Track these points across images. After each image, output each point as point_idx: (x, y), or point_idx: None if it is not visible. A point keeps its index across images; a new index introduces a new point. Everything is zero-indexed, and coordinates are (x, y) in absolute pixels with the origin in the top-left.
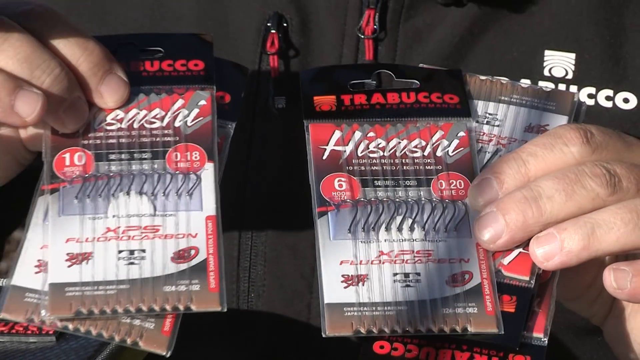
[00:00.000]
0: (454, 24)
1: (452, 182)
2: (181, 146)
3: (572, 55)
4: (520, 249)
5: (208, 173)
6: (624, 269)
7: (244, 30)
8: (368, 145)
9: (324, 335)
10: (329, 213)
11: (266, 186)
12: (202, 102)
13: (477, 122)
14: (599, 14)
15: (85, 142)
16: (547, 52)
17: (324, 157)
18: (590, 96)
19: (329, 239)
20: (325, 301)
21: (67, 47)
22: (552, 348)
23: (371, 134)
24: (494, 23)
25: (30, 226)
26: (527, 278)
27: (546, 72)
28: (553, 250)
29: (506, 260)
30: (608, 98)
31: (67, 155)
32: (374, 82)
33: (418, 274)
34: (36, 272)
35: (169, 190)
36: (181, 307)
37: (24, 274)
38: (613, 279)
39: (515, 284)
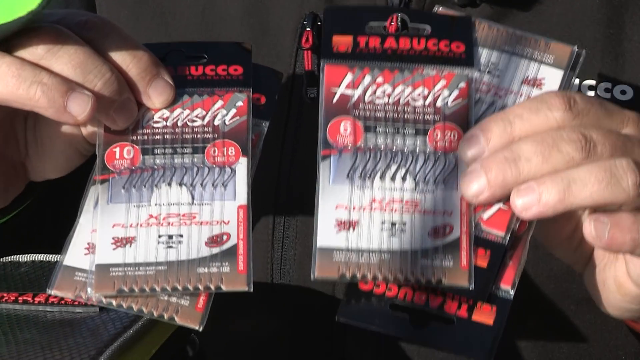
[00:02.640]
0: None
1: (447, 133)
2: (219, 142)
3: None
4: (501, 205)
5: (242, 167)
6: (603, 220)
7: (283, 28)
8: (375, 90)
9: (312, 278)
10: (331, 157)
11: (300, 168)
12: (239, 103)
13: (480, 71)
14: (601, 13)
15: (134, 138)
16: None
17: (334, 101)
18: (590, 88)
19: (329, 183)
20: (318, 245)
21: (118, 54)
22: (553, 317)
23: (379, 79)
24: (505, 22)
25: (82, 212)
26: (502, 234)
27: None
28: (531, 202)
29: (486, 215)
30: (607, 90)
31: (117, 150)
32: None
33: (404, 224)
34: (85, 254)
35: (206, 182)
36: (212, 287)
37: (74, 255)
38: (592, 229)
39: (491, 238)
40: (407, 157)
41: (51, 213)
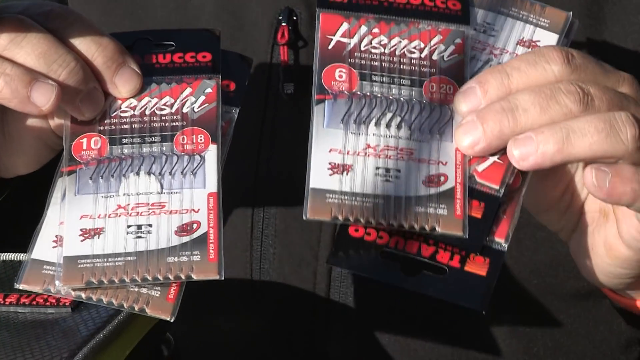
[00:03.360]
0: None
1: (443, 86)
2: (188, 130)
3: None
4: (495, 158)
5: (211, 154)
6: (605, 169)
7: (258, 23)
8: (371, 40)
9: (304, 218)
10: (326, 101)
11: (277, 164)
12: (209, 90)
13: (475, 30)
14: (582, 5)
15: (101, 128)
16: None
17: (330, 47)
18: None
19: (323, 126)
20: (311, 185)
21: (83, 43)
22: (535, 313)
23: (375, 30)
24: None
25: (50, 205)
26: (497, 187)
27: None
28: (529, 151)
29: (480, 168)
30: None
31: (85, 140)
32: None
33: (398, 171)
34: (53, 247)
35: (175, 170)
36: (182, 276)
37: (42, 248)
38: (594, 177)
39: (486, 191)
40: (403, 106)
41: (27, 209)
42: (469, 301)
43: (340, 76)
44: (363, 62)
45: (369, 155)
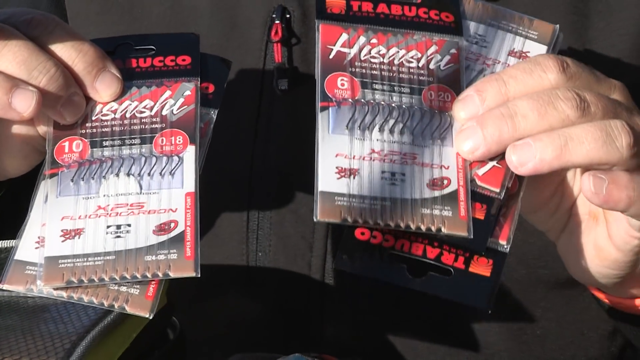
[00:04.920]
0: None
1: (441, 94)
2: (167, 132)
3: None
4: (495, 163)
5: (189, 155)
6: (601, 176)
7: (252, 21)
8: (370, 50)
9: (315, 220)
10: (330, 108)
11: (271, 158)
12: (187, 93)
13: (468, 41)
14: (568, 2)
15: (83, 131)
16: None
17: (331, 57)
18: None
19: (328, 132)
20: (319, 189)
21: (63, 49)
22: (524, 301)
23: (374, 41)
24: None
25: (33, 207)
26: (497, 190)
27: None
28: (528, 157)
29: (481, 172)
30: None
31: (67, 144)
32: None
33: (403, 174)
34: (36, 248)
35: (154, 171)
36: (160, 274)
37: (25, 249)
38: (591, 184)
39: (487, 194)
40: (404, 113)
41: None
42: (476, 301)
43: (343, 84)
44: (364, 70)
45: (374, 160)
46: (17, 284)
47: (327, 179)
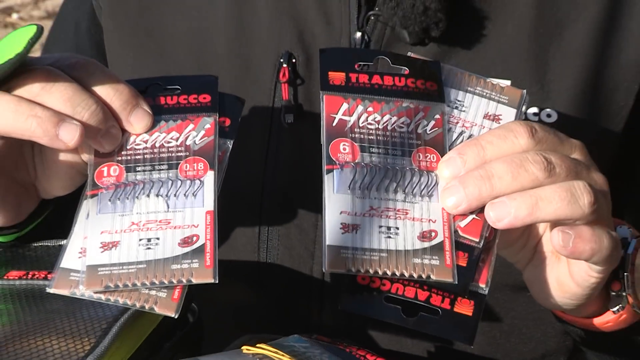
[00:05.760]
0: None
1: (427, 156)
2: (190, 159)
3: (508, 82)
4: (474, 216)
5: (209, 179)
6: (569, 232)
7: (263, 65)
8: (367, 118)
9: (324, 271)
10: (334, 171)
11: (279, 181)
12: (208, 125)
13: (449, 106)
14: (529, 51)
15: (119, 158)
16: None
17: (334, 124)
18: None
19: (333, 192)
20: (327, 243)
21: (102, 89)
22: (492, 302)
23: (370, 109)
24: (449, 59)
25: (77, 222)
26: (477, 240)
27: None
28: (504, 214)
29: (462, 223)
30: (535, 114)
31: (105, 169)
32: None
33: (397, 228)
34: (79, 257)
35: (179, 193)
36: (184, 280)
37: (69, 259)
38: (560, 239)
39: (468, 243)
40: (397, 174)
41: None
42: (460, 337)
43: (344, 149)
44: (362, 136)
45: (372, 216)
46: (63, 288)
47: (333, 234)
